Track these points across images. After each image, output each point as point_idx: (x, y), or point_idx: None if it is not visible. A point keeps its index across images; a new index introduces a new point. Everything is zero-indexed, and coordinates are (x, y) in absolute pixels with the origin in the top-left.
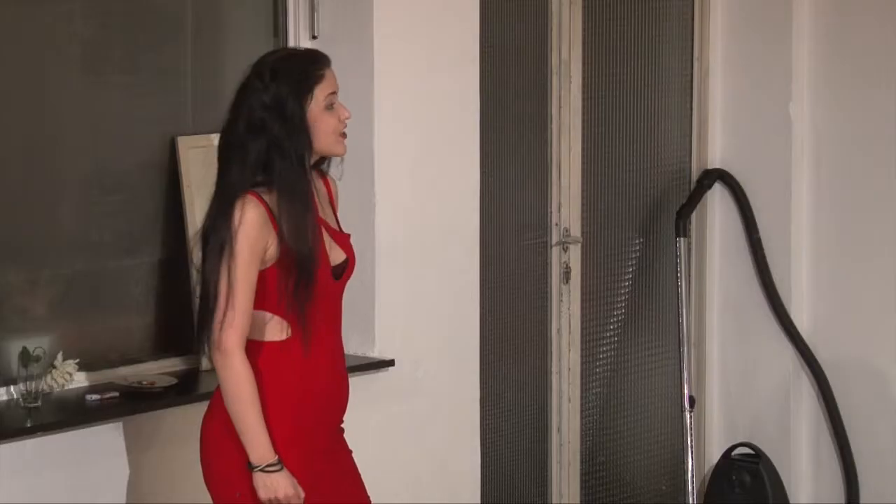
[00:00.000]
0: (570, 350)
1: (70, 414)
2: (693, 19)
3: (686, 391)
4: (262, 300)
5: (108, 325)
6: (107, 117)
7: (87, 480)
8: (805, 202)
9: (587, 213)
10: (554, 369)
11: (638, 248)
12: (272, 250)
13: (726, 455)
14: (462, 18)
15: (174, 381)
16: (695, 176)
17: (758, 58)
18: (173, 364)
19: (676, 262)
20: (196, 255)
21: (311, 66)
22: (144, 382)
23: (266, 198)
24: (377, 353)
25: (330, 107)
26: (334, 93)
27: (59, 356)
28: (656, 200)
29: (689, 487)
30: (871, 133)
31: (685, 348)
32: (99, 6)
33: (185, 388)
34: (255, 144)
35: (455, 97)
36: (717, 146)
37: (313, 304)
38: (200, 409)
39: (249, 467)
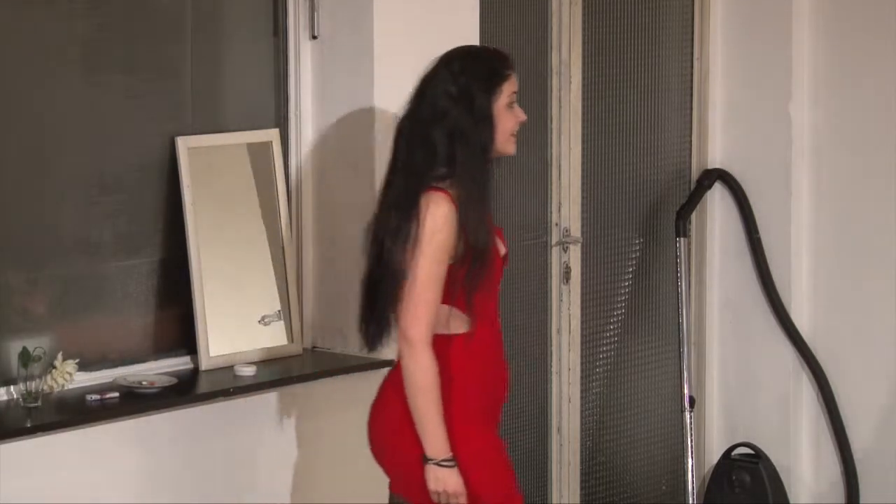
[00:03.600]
0: (569, 350)
1: (70, 414)
2: (693, 19)
3: (686, 391)
4: (445, 294)
5: (108, 325)
6: (106, 117)
7: (87, 481)
8: (805, 202)
9: (587, 213)
10: (554, 369)
11: (638, 248)
12: (458, 246)
13: (726, 455)
14: (462, 18)
15: (174, 380)
16: (695, 176)
17: (758, 58)
18: (173, 364)
19: (676, 262)
20: (381, 243)
21: (499, 63)
22: (144, 382)
23: (451, 193)
24: (379, 353)
25: (511, 106)
26: (516, 93)
27: (59, 356)
28: (656, 200)
29: (689, 487)
30: (872, 133)
31: (685, 348)
32: (98, 6)
33: (185, 388)
34: (439, 134)
35: None
36: (717, 146)
37: (490, 296)
38: (200, 409)
39: (424, 460)
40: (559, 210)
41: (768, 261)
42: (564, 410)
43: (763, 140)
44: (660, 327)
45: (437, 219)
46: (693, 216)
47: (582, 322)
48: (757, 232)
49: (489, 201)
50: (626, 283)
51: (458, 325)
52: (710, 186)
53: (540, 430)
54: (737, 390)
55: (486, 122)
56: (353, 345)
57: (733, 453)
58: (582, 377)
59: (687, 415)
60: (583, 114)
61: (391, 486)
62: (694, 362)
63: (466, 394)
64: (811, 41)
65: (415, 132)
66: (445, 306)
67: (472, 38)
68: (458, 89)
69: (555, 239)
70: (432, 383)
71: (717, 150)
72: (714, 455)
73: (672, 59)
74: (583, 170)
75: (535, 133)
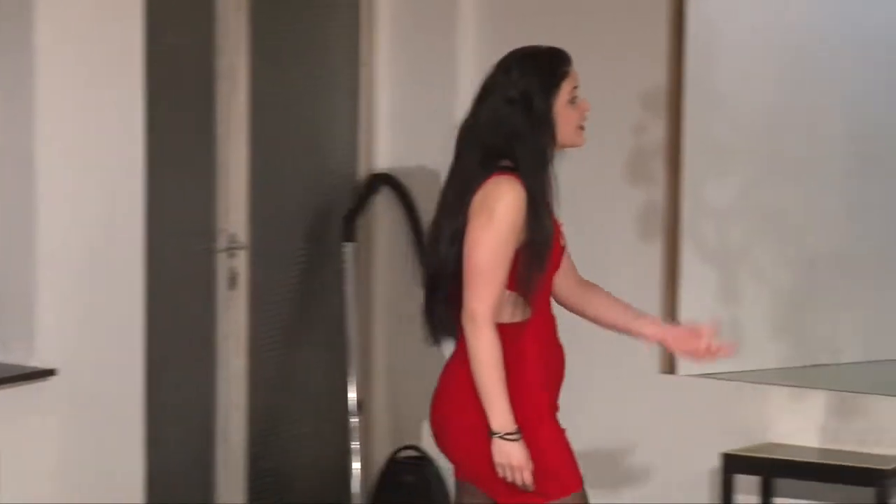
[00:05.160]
0: (236, 356)
1: None
2: (360, 26)
3: (353, 395)
4: (510, 280)
5: None
6: None
7: None
8: None
9: (254, 219)
10: (220, 376)
11: (306, 253)
12: (523, 232)
13: (392, 457)
14: (126, 23)
15: None
16: (362, 181)
17: (424, 64)
18: None
19: (343, 267)
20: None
21: (557, 62)
22: None
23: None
24: (38, 362)
25: (573, 101)
26: (577, 87)
27: None
28: (324, 205)
29: (356, 490)
30: None
31: (352, 353)
32: None
33: None
34: (498, 138)
35: (120, 101)
36: (384, 150)
37: (547, 285)
38: None
39: (490, 434)
40: (226, 215)
41: None
42: (231, 417)
43: (428, 144)
44: (329, 332)
45: (511, 200)
46: (361, 221)
47: (249, 328)
48: (423, 235)
49: (550, 195)
50: (295, 289)
51: (518, 313)
52: (376, 191)
53: (207, 437)
54: (404, 393)
55: (545, 124)
56: (11, 352)
57: (400, 455)
58: (249, 383)
59: (354, 419)
60: (250, 119)
61: (456, 474)
62: (361, 366)
63: (536, 380)
64: (476, 46)
65: (475, 136)
66: (508, 292)
67: (136, 42)
68: (517, 92)
69: (222, 245)
70: (497, 359)
71: (383, 155)
72: (383, 457)
73: (340, 66)
74: (250, 175)
75: (202, 138)
